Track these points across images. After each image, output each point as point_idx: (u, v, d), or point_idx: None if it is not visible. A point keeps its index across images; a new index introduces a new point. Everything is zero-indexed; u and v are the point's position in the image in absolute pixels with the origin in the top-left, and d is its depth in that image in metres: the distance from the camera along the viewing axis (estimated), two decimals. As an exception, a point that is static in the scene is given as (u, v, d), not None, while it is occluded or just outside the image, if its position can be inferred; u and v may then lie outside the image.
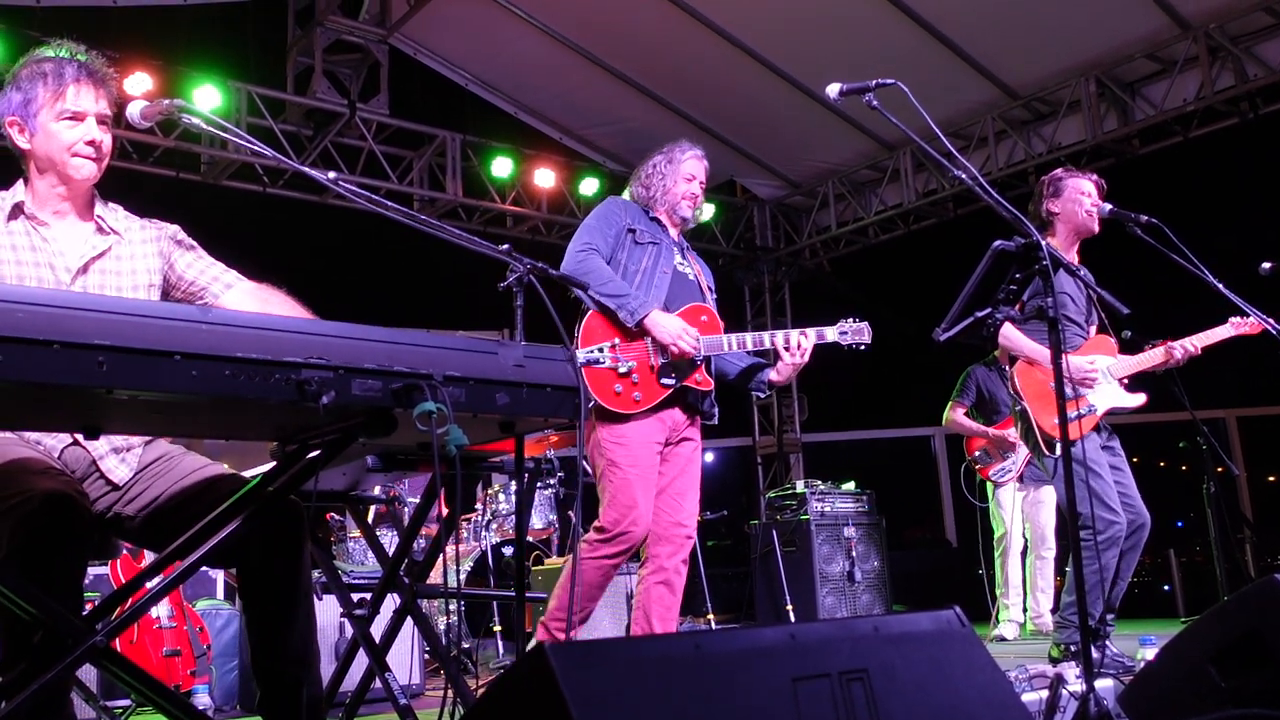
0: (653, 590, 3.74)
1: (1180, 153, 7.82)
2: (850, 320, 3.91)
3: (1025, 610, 6.52)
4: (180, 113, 2.37)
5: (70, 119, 2.35)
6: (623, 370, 3.65)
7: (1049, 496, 6.37)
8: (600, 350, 3.63)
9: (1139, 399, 4.31)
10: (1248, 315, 4.00)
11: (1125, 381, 4.32)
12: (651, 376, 3.70)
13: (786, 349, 3.78)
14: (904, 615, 1.73)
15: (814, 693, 1.47)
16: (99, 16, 7.29)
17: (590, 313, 3.74)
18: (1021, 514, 6.55)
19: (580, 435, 2.11)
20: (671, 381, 3.72)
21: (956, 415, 6.59)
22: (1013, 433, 6.35)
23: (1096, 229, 4.26)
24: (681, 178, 4.01)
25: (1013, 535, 6.54)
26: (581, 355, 3.56)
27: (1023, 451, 6.34)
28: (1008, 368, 4.34)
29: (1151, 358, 4.30)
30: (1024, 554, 6.56)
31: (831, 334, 3.88)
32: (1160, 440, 9.85)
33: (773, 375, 3.90)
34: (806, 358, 3.80)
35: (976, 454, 6.59)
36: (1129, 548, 4.06)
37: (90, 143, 2.37)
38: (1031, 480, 6.42)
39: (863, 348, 3.89)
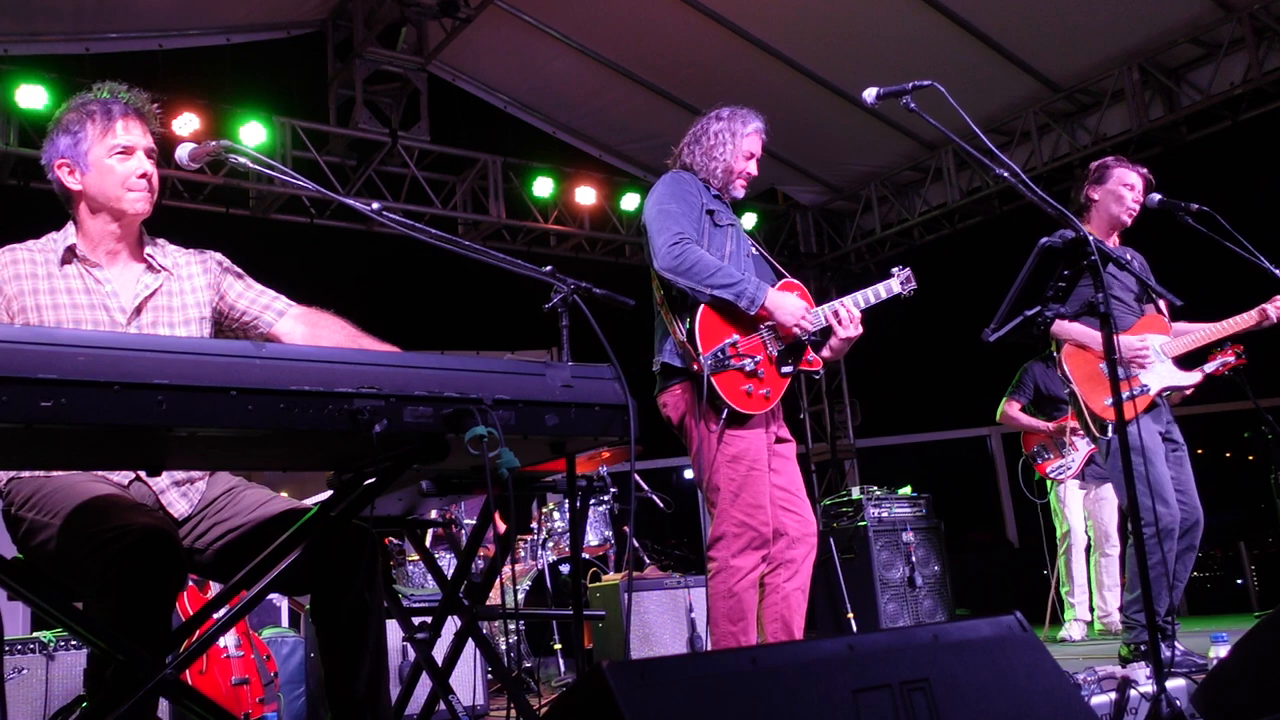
0: (793, 598, 3.50)
1: (1230, 137, 7.67)
2: (897, 268, 3.76)
3: (1092, 609, 6.40)
4: (227, 153, 2.42)
5: (121, 153, 2.41)
6: (749, 369, 3.44)
7: (1111, 493, 6.26)
8: (723, 352, 3.42)
9: (1194, 377, 4.20)
10: None
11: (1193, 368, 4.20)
12: (773, 369, 3.51)
13: (839, 321, 3.58)
14: (964, 622, 1.71)
15: (875, 704, 1.46)
16: (146, 60, 7.48)
17: (700, 311, 3.45)
18: (1084, 511, 6.44)
19: (632, 452, 2.11)
20: (790, 369, 3.53)
21: (1011, 410, 6.50)
22: (1071, 427, 6.26)
23: (1129, 223, 4.21)
24: (742, 154, 3.72)
25: (1076, 533, 6.43)
26: (707, 362, 3.38)
27: (1082, 449, 6.25)
28: (1056, 354, 4.29)
29: (1240, 321, 4.15)
30: (1088, 552, 6.45)
31: (895, 286, 3.72)
32: (1225, 431, 9.64)
33: (824, 353, 3.67)
34: (859, 328, 3.58)
35: (1034, 449, 6.50)
36: (1184, 548, 3.94)
37: (143, 175, 2.42)
38: (1093, 478, 6.31)
39: (914, 291, 3.74)
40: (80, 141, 2.40)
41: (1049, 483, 6.52)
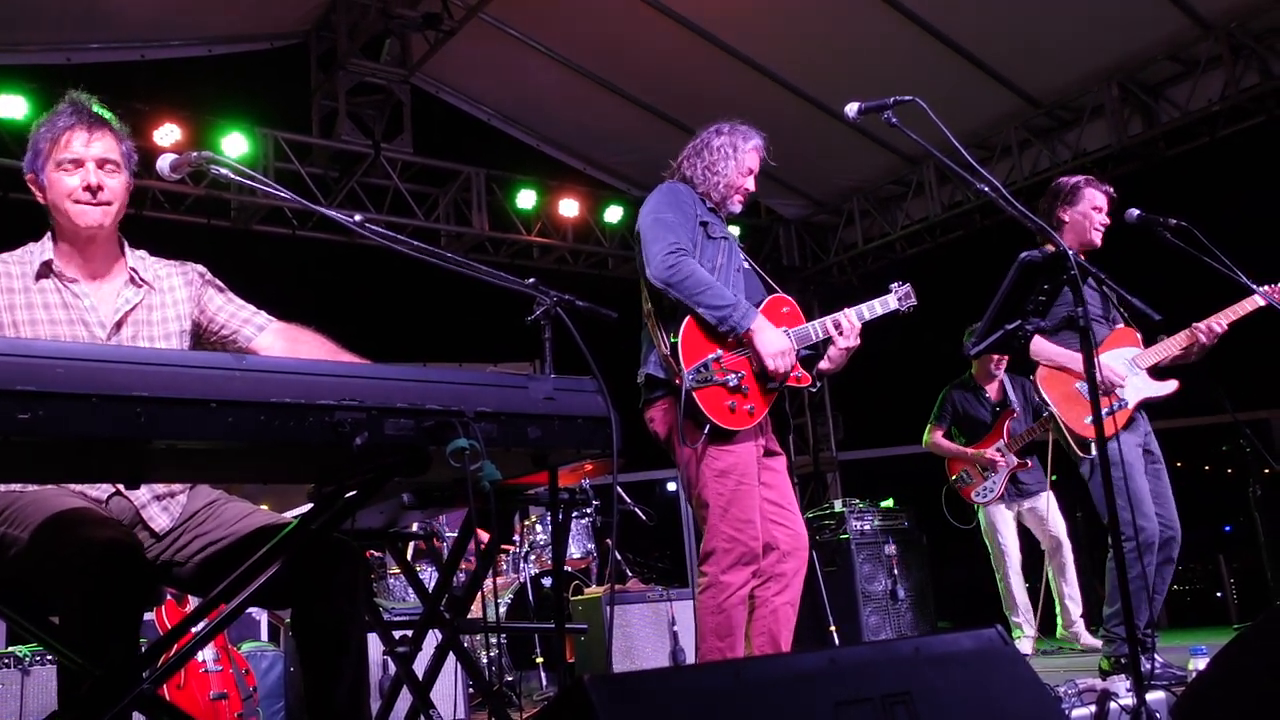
0: (781, 612, 3.46)
1: (1208, 153, 7.75)
2: (896, 284, 3.75)
3: (1057, 620, 6.40)
4: (208, 164, 2.41)
5: (68, 166, 2.36)
6: (733, 385, 3.39)
7: (1043, 504, 6.29)
8: (705, 368, 3.38)
9: (1170, 386, 4.23)
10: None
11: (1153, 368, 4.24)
12: (757, 385, 3.46)
13: (840, 333, 3.58)
14: (945, 635, 1.71)
15: (857, 717, 1.46)
16: (128, 70, 7.45)
17: (685, 324, 3.42)
18: (1017, 530, 6.48)
19: (615, 465, 2.10)
20: (776, 385, 3.49)
21: (935, 437, 6.61)
22: (989, 452, 6.33)
23: (1099, 243, 4.26)
24: (743, 170, 3.74)
25: (1010, 554, 6.46)
26: (689, 378, 3.34)
27: (1003, 471, 6.32)
28: (1032, 376, 4.31)
29: (1175, 343, 4.21)
30: (1059, 569, 6.46)
31: (892, 302, 3.71)
32: (1203, 443, 9.70)
33: (823, 364, 3.65)
34: (858, 339, 3.58)
35: (958, 474, 6.56)
36: (1162, 560, 3.98)
37: (88, 188, 2.35)
38: (1014, 496, 6.37)
39: (913, 308, 3.74)
40: (39, 155, 2.39)
41: (977, 507, 6.55)
